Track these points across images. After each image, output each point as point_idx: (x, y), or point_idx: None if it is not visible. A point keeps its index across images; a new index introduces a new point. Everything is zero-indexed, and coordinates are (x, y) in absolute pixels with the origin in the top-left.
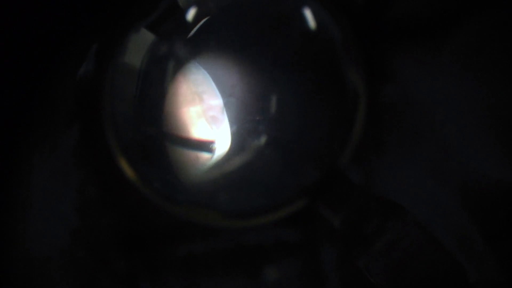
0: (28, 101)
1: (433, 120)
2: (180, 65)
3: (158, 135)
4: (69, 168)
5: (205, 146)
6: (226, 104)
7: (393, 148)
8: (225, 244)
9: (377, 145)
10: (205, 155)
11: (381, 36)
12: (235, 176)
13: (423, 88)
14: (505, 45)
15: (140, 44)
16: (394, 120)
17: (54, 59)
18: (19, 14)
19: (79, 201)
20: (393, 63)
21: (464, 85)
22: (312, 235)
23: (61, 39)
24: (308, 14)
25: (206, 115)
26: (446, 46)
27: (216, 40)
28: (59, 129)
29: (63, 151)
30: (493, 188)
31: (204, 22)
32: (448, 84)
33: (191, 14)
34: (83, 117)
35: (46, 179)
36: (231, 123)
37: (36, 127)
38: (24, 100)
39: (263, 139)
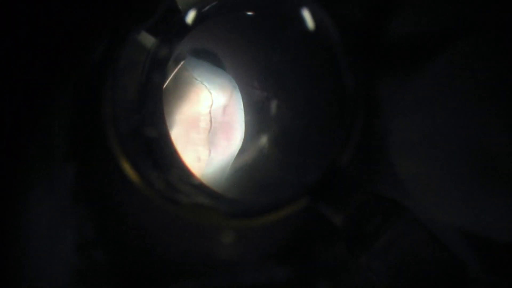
0: (23, 139)
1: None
2: (180, 67)
3: (160, 137)
4: (67, 206)
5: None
6: (226, 105)
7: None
8: (219, 284)
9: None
10: (206, 156)
11: (372, 57)
12: (237, 176)
13: (401, 123)
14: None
15: (141, 47)
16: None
17: (50, 89)
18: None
19: (77, 238)
20: (377, 93)
21: (441, 120)
22: (306, 273)
23: (59, 59)
24: (307, 15)
25: (206, 116)
26: (427, 70)
27: (215, 42)
28: (55, 167)
29: (61, 189)
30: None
31: (204, 24)
32: (426, 120)
33: (190, 16)
34: (80, 153)
35: (45, 219)
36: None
37: (33, 166)
38: (19, 138)
39: (264, 139)
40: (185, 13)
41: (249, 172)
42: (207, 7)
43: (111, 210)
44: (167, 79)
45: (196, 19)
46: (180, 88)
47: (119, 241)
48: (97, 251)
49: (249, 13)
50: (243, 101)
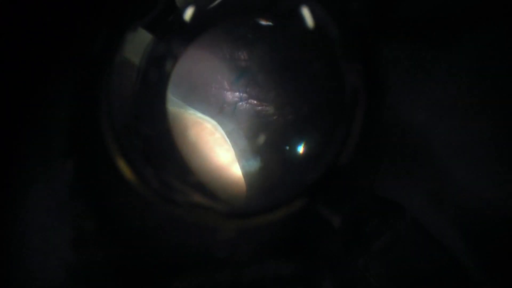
0: (21, 135)
1: (428, 146)
2: (178, 64)
3: (157, 135)
4: (64, 203)
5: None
6: (225, 105)
7: (389, 170)
8: (223, 278)
9: (373, 166)
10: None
11: (381, 36)
12: (235, 176)
13: (417, 112)
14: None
15: (138, 43)
16: (390, 142)
17: (47, 85)
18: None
19: (74, 235)
20: (388, 79)
21: (458, 107)
22: (310, 268)
23: (55, 54)
24: (307, 13)
25: (204, 115)
26: (443, 58)
27: (214, 40)
28: (53, 164)
29: (58, 185)
30: (490, 214)
31: (203, 21)
32: (442, 107)
33: (188, 13)
34: (78, 149)
35: (42, 215)
36: (230, 123)
37: (30, 162)
38: (17, 134)
39: (262, 139)
40: (183, 9)
41: (246, 172)
42: (209, 6)
43: (108, 208)
44: (167, 80)
45: (197, 20)
46: None
47: (116, 238)
48: (93, 248)
49: (265, 22)
50: (239, 99)
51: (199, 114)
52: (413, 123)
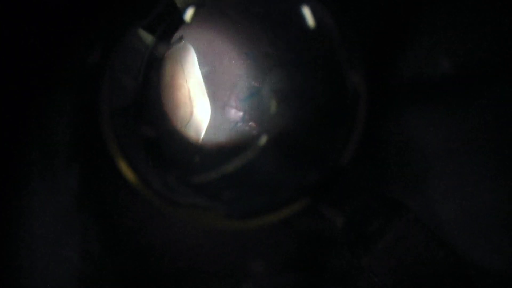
0: (24, 145)
1: (431, 168)
2: (178, 65)
3: (158, 136)
4: (70, 211)
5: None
6: (225, 105)
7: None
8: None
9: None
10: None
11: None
12: (236, 177)
13: (426, 135)
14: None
15: (138, 44)
16: (395, 158)
17: (48, 92)
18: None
19: (82, 244)
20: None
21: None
22: (314, 279)
23: (56, 57)
24: (308, 13)
25: (203, 116)
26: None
27: (215, 40)
28: (58, 172)
29: (64, 194)
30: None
31: (203, 22)
32: (450, 140)
33: (188, 14)
34: (82, 156)
35: (49, 224)
36: (231, 123)
37: (34, 171)
38: (20, 144)
39: (263, 139)
40: (184, 10)
41: (248, 173)
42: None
43: (112, 213)
44: (167, 81)
45: (195, 16)
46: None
47: (122, 244)
48: (101, 255)
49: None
50: (239, 100)
51: (201, 114)
52: (414, 137)
